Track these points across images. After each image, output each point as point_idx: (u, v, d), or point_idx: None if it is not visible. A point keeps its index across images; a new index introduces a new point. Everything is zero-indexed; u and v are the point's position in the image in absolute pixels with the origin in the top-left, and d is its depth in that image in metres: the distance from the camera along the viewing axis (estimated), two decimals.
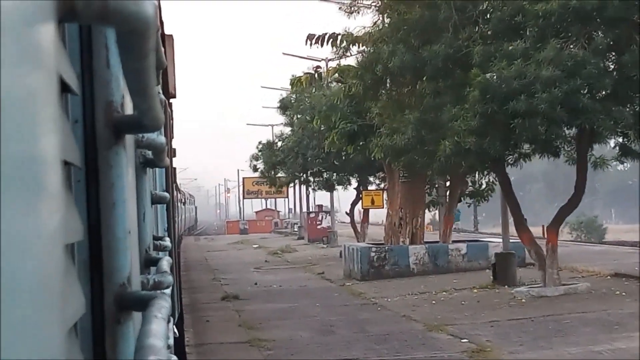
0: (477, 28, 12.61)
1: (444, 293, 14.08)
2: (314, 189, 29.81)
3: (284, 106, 29.20)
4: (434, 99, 13.10)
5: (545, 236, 14.41)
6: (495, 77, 11.25)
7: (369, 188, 27.86)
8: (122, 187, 1.10)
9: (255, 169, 33.46)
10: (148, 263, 1.81)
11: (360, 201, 27.14)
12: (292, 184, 34.10)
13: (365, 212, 27.49)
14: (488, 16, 12.53)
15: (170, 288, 1.73)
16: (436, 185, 19.91)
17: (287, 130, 31.47)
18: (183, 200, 40.79)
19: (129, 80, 0.90)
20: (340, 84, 18.43)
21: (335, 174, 27.75)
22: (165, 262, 1.83)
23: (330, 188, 29.89)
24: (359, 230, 26.67)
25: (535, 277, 14.18)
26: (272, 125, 43.20)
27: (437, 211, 26.92)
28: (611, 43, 11.58)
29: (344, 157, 25.03)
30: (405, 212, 18.77)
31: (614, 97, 11.48)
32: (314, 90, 24.43)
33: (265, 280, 18.47)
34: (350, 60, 18.28)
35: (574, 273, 15.61)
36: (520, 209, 13.56)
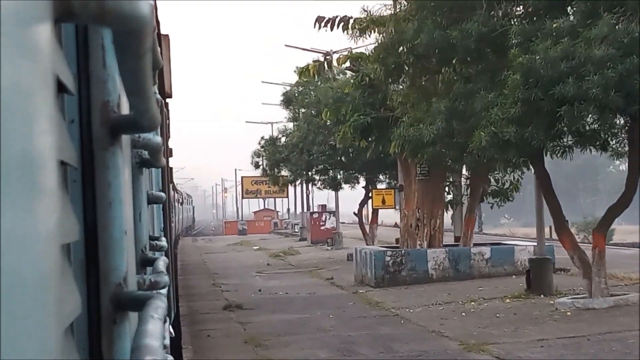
0: (514, 4, 12.63)
1: (473, 303, 14.13)
2: (319, 188, 30.31)
3: (288, 100, 29.85)
4: (465, 84, 13.09)
5: (591, 241, 14.35)
6: (538, 58, 11.16)
7: (378, 187, 28.48)
8: (118, 187, 1.21)
9: (257, 166, 34.04)
10: (144, 263, 1.95)
11: (370, 201, 27.63)
12: (292, 183, 34.57)
13: (375, 212, 28.14)
14: None
15: (167, 288, 1.85)
16: (455, 184, 20.29)
17: (291, 125, 32.12)
18: (180, 200, 41.83)
19: (125, 80, 1.01)
20: (351, 73, 18.50)
21: (342, 172, 28.27)
22: (162, 262, 1.97)
23: (336, 187, 30.58)
24: (368, 231, 27.25)
25: (572, 284, 14.28)
26: (272, 123, 44.16)
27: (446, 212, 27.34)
28: None
29: (351, 154, 25.72)
30: (422, 212, 19.02)
31: None
32: (319, 84, 24.95)
33: (270, 286, 18.68)
34: (362, 48, 18.14)
35: (615, 280, 15.59)
36: (561, 209, 13.60)
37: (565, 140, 12.92)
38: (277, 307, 14.80)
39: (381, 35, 14.98)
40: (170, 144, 7.48)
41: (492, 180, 19.98)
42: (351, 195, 37.08)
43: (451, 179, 20.61)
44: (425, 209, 19.06)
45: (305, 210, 47.14)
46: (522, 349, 9.82)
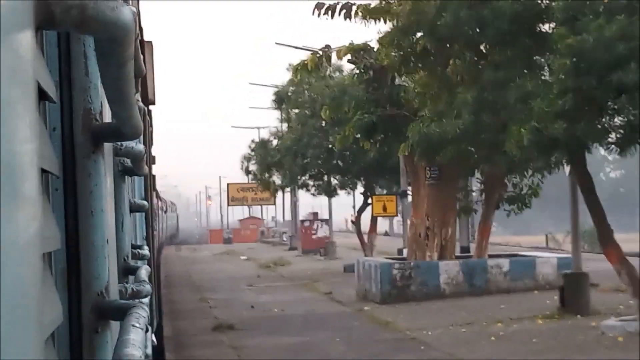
0: None
1: (499, 325, 14.08)
2: (312, 194, 31.08)
3: (280, 100, 30.49)
4: (495, 71, 12.98)
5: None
6: (591, 39, 10.87)
7: (377, 193, 29.58)
8: (100, 195, 1.35)
9: (247, 172, 35.19)
10: (126, 272, 2.13)
11: (369, 208, 28.58)
12: (284, 189, 35.48)
13: (373, 220, 29.06)
14: None
15: (149, 297, 2.00)
16: (467, 189, 20.63)
17: (284, 127, 33.53)
18: (164, 208, 42.79)
19: (107, 89, 1.15)
20: (352, 68, 18.64)
21: (339, 177, 29.42)
22: (144, 271, 2.14)
23: (331, 193, 31.84)
24: (366, 241, 28.10)
25: (608, 302, 14.35)
26: (260, 128, 45.49)
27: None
28: None
29: (349, 158, 26.62)
30: (433, 220, 19.26)
31: None
32: (314, 82, 25.36)
33: (263, 301, 18.95)
34: (366, 38, 18.40)
35: None
36: (606, 217, 13.43)
37: (614, 136, 12.58)
38: (273, 327, 14.89)
39: (395, 18, 15.01)
40: (153, 151, 8.03)
41: (508, 185, 20.27)
42: (339, 203, 38.14)
43: (473, 181, 21.11)
44: (436, 217, 19.30)
45: (293, 218, 48.64)
46: None
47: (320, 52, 18.14)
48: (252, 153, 34.67)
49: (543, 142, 11.64)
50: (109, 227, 1.45)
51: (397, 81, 18.54)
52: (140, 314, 1.29)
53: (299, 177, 30.28)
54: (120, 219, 2.04)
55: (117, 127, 1.35)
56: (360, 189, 30.39)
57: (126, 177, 2.30)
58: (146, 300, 1.97)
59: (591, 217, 13.81)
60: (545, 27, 13.16)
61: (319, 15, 17.89)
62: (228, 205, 70.27)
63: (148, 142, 5.05)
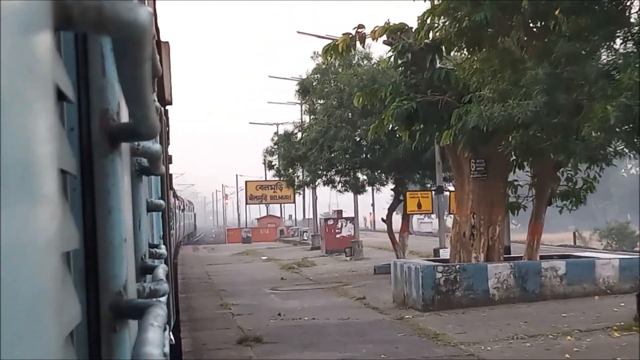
0: None
1: (569, 338, 12.79)
2: (339, 191, 30.75)
3: (304, 90, 29.91)
4: (570, 43, 11.88)
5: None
6: None
7: (408, 189, 28.98)
8: (117, 195, 1.38)
9: (270, 167, 34.71)
10: (144, 271, 2.22)
11: (399, 205, 27.85)
12: (309, 186, 34.91)
13: (405, 218, 28.31)
14: None
15: (166, 296, 2.02)
16: (515, 183, 19.16)
17: (303, 120, 33.21)
18: (182, 207, 43.50)
19: (124, 88, 1.17)
20: (390, 48, 17.52)
21: (368, 172, 28.62)
22: (161, 270, 2.22)
23: (359, 189, 31.09)
24: (397, 240, 27.12)
25: None
26: (278, 124, 45.17)
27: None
28: None
29: (378, 151, 25.97)
30: (478, 218, 18.12)
31: None
32: (340, 70, 24.91)
33: (290, 308, 17.96)
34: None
35: None
36: None
37: None
38: (306, 339, 13.73)
39: None
40: (170, 150, 8.30)
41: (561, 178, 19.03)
42: (360, 200, 37.77)
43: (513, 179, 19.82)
44: (482, 214, 18.09)
45: (314, 216, 50.29)
46: None
47: (353, 33, 17.01)
48: (275, 147, 33.41)
49: (633, 120, 10.64)
50: (126, 227, 1.52)
51: (437, 64, 17.35)
52: (158, 313, 1.34)
53: (325, 173, 29.51)
54: (137, 218, 2.17)
55: (134, 127, 1.39)
56: (390, 185, 29.50)
57: (143, 176, 2.42)
58: (164, 299, 2.03)
59: None
60: None
61: None
62: (246, 203, 70.31)
63: (165, 141, 5.21)
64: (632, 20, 10.92)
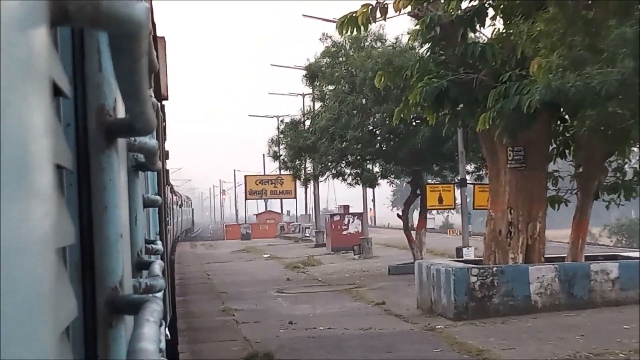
0: None
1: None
2: (350, 184, 29.09)
3: (312, 74, 28.22)
4: None
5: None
6: None
7: (425, 182, 27.49)
8: (114, 190, 1.38)
9: (276, 157, 32.98)
10: (140, 266, 2.24)
11: (417, 200, 26.08)
12: (317, 179, 33.43)
13: (423, 214, 26.37)
14: None
15: (162, 291, 2.02)
16: (557, 175, 17.27)
17: (310, 108, 31.77)
18: (179, 203, 42.98)
19: (121, 84, 1.16)
20: (417, 21, 16.08)
21: (382, 164, 27.15)
22: (157, 266, 2.24)
23: (371, 182, 29.12)
24: (414, 238, 25.39)
25: None
26: (279, 117, 43.57)
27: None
28: None
29: (393, 141, 24.41)
30: (517, 213, 16.07)
31: None
32: (351, 53, 23.96)
33: (301, 314, 16.22)
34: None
35: None
36: None
37: None
38: (324, 355, 12.04)
39: None
40: (167, 147, 8.32)
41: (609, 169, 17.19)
42: (357, 195, 36.55)
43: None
44: (521, 210, 16.00)
45: (316, 211, 49.15)
46: None
47: (374, 4, 15.18)
48: (282, 135, 30.90)
49: None
50: (122, 222, 1.52)
51: (469, 38, 15.93)
52: (154, 308, 1.34)
53: (335, 164, 27.40)
54: (133, 214, 2.20)
55: (130, 122, 1.40)
56: (405, 177, 27.93)
57: (140, 172, 2.45)
58: (160, 294, 2.02)
59: None
60: None
61: None
62: (246, 198, 67.86)
63: (161, 137, 5.24)
64: None
